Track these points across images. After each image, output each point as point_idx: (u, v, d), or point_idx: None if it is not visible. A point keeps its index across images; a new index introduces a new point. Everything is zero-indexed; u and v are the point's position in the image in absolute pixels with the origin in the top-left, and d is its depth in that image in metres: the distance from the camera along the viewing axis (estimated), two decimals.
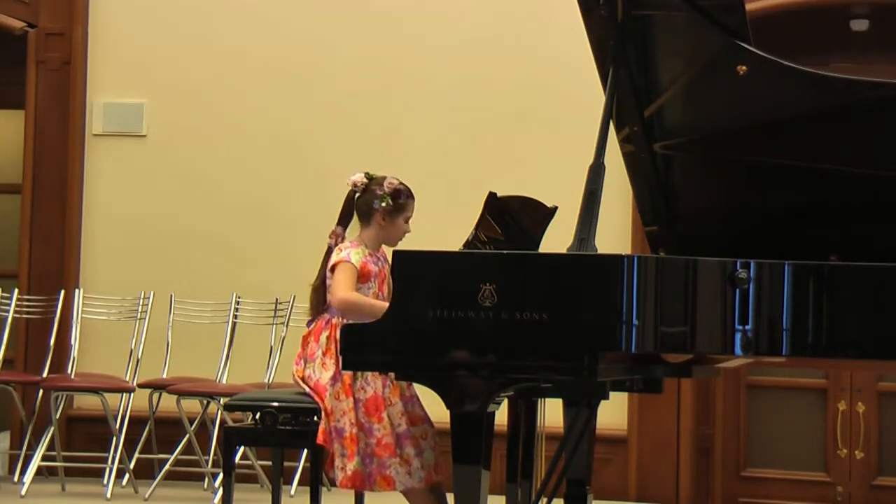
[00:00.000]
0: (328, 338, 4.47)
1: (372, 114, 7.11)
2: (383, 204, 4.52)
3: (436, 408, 4.05)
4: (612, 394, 3.90)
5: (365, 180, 4.58)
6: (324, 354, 4.46)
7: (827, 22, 6.92)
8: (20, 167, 7.53)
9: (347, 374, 4.38)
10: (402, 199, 4.55)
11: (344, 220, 4.62)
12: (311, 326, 4.55)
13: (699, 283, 3.57)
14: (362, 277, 4.46)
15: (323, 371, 4.44)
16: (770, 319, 3.58)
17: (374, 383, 4.40)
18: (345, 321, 4.31)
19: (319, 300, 4.57)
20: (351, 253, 4.47)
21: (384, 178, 4.56)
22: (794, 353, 3.62)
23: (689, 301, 3.56)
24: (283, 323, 6.82)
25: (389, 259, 4.56)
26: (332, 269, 4.47)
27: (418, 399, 4.45)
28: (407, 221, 4.58)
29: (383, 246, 4.62)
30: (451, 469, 3.67)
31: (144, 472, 6.82)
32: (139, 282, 7.12)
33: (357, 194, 4.58)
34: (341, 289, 4.41)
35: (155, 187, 7.30)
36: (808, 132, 3.86)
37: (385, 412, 4.39)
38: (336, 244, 4.56)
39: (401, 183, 4.57)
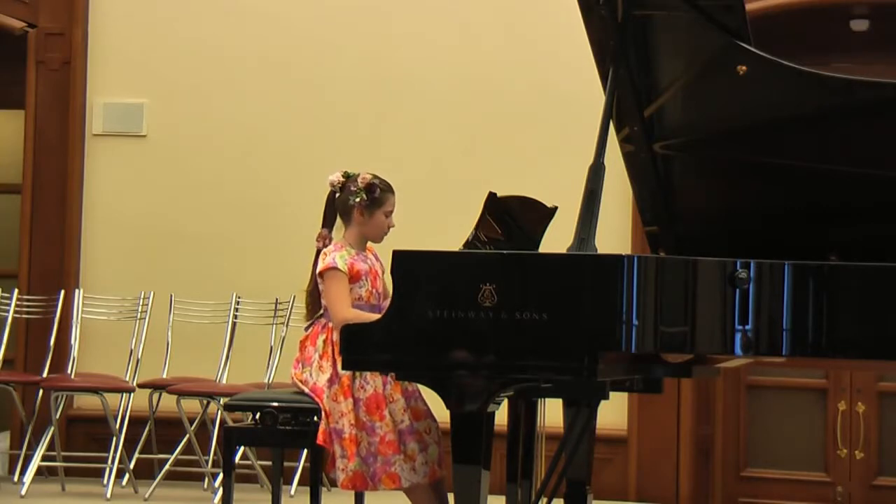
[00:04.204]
0: (325, 341, 4.47)
1: (372, 114, 7.12)
2: (357, 199, 4.51)
3: (436, 407, 4.05)
4: (612, 394, 3.90)
5: (342, 179, 4.58)
6: (321, 358, 4.46)
7: (827, 22, 6.92)
8: (20, 167, 7.53)
9: (346, 375, 4.38)
10: (376, 192, 4.53)
11: (328, 222, 4.62)
12: (309, 331, 4.56)
13: (699, 283, 3.57)
14: (353, 278, 4.45)
15: (320, 374, 4.44)
16: (770, 319, 3.58)
17: (373, 382, 4.40)
18: None
19: (315, 303, 4.57)
20: (336, 257, 4.46)
21: (359, 174, 4.56)
22: (794, 353, 3.63)
23: (689, 301, 3.56)
24: (283, 323, 6.82)
25: (379, 256, 4.59)
26: (321, 276, 4.47)
27: (420, 394, 4.45)
28: (388, 216, 4.55)
29: (371, 245, 4.62)
30: (451, 469, 3.68)
31: (144, 472, 6.83)
32: (139, 282, 7.12)
33: (336, 194, 4.59)
34: (339, 307, 4.38)
35: (155, 187, 7.30)
36: (807, 132, 3.87)
37: (386, 409, 4.39)
38: (324, 246, 4.56)
39: (375, 177, 4.55)
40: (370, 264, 4.54)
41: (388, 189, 4.56)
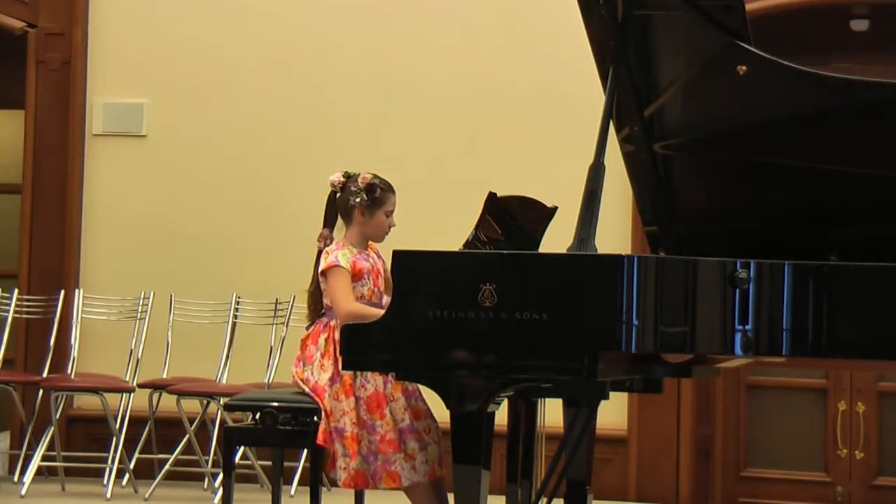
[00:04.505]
0: (326, 340, 4.48)
1: (372, 114, 7.12)
2: (358, 199, 4.53)
3: (435, 407, 4.05)
4: (612, 394, 3.90)
5: (343, 179, 4.59)
6: (322, 356, 4.46)
7: (827, 22, 6.92)
8: (20, 167, 7.53)
9: (348, 374, 4.38)
10: (377, 192, 4.54)
11: (329, 222, 4.63)
12: (310, 330, 4.56)
13: (699, 283, 3.57)
14: (355, 276, 4.46)
15: (321, 373, 4.44)
16: (770, 319, 3.58)
17: (374, 380, 4.40)
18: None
19: (316, 304, 4.58)
20: (339, 255, 4.47)
21: (359, 174, 4.57)
22: (794, 353, 3.63)
23: (689, 301, 3.56)
24: (283, 323, 6.82)
25: (381, 254, 4.60)
26: (324, 275, 4.48)
27: (420, 393, 4.46)
28: (389, 216, 4.57)
29: (373, 243, 4.62)
30: (451, 469, 3.68)
31: (144, 472, 6.83)
32: (139, 282, 7.12)
33: (337, 194, 4.60)
34: (343, 301, 4.40)
35: (155, 187, 7.30)
36: (807, 132, 3.87)
37: (387, 408, 4.39)
38: (325, 246, 4.57)
39: (375, 177, 4.57)
40: (372, 263, 4.55)
41: (388, 189, 4.57)
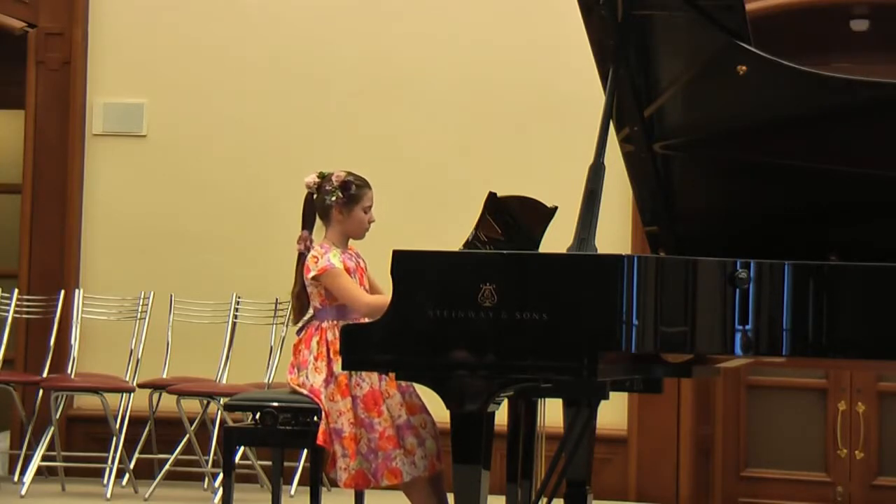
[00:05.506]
0: (318, 342, 4.48)
1: (372, 114, 7.11)
2: (334, 198, 4.54)
3: (436, 406, 4.05)
4: (612, 394, 3.90)
5: (317, 180, 4.60)
6: (315, 359, 4.46)
7: (827, 22, 6.92)
8: (20, 167, 7.53)
9: (343, 374, 4.39)
10: (352, 189, 4.55)
11: (307, 224, 4.64)
12: (302, 334, 4.57)
13: (699, 283, 3.57)
14: None
15: (316, 375, 4.44)
16: (770, 319, 3.58)
17: (369, 378, 4.41)
18: (342, 322, 4.33)
19: (302, 306, 4.59)
20: (329, 257, 4.48)
21: (333, 173, 4.58)
22: (794, 353, 3.63)
23: (689, 301, 3.56)
24: (283, 323, 6.82)
25: (361, 254, 4.62)
26: (318, 279, 4.48)
27: (414, 388, 4.47)
28: (367, 211, 4.57)
29: (352, 245, 4.63)
30: (451, 469, 3.68)
31: (144, 472, 6.83)
32: (139, 282, 7.12)
33: (314, 195, 4.60)
34: (358, 295, 4.43)
35: (155, 187, 7.30)
36: (807, 132, 3.86)
37: (384, 405, 4.40)
38: (306, 248, 4.57)
39: (349, 174, 4.58)
40: (355, 262, 4.58)
41: (364, 185, 4.58)
